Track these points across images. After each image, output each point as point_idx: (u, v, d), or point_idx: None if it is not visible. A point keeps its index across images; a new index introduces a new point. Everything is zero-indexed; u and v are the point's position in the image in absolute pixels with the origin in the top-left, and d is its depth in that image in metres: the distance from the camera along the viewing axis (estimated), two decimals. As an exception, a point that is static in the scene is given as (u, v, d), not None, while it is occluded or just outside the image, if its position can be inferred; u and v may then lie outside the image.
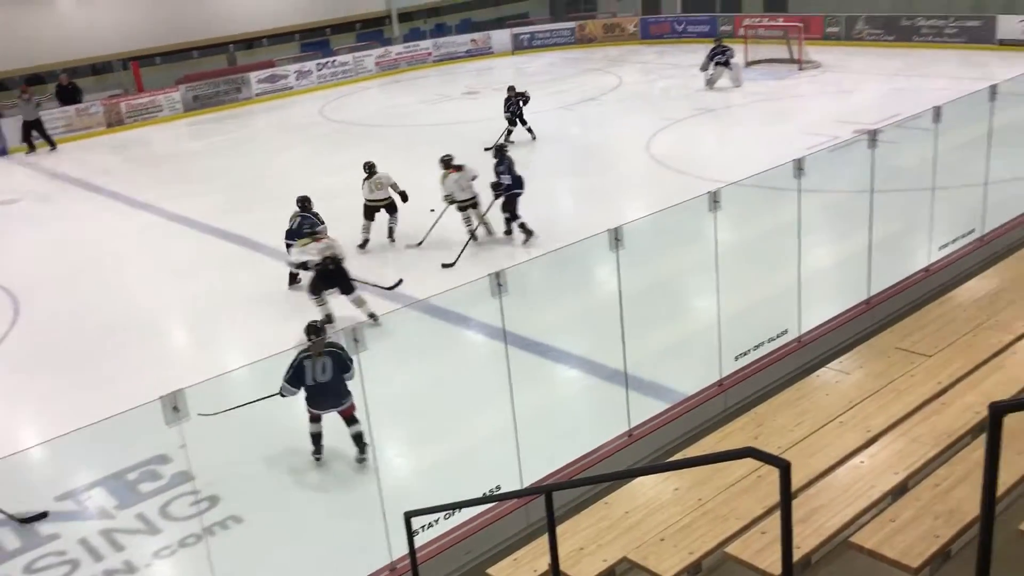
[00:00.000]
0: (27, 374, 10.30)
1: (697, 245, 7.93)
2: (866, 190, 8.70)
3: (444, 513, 6.18)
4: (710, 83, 21.77)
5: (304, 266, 10.47)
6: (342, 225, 12.21)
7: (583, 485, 6.31)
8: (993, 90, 9.51)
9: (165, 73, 26.19)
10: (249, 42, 28.83)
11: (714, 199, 7.24)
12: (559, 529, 4.90)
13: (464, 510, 6.21)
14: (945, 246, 9.63)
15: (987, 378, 6.25)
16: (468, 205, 12.54)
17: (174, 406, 4.96)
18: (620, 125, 19.59)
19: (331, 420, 7.88)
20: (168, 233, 14.98)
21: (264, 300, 11.53)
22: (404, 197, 12.77)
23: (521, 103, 18.07)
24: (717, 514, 5.30)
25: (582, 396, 8.84)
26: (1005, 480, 4.59)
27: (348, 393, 7.50)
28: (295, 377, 7.42)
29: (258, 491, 7.66)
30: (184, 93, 25.05)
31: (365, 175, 12.77)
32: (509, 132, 18.05)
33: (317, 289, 10.37)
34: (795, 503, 4.20)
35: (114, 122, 23.87)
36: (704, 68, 21.88)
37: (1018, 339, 6.77)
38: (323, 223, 11.29)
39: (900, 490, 5.16)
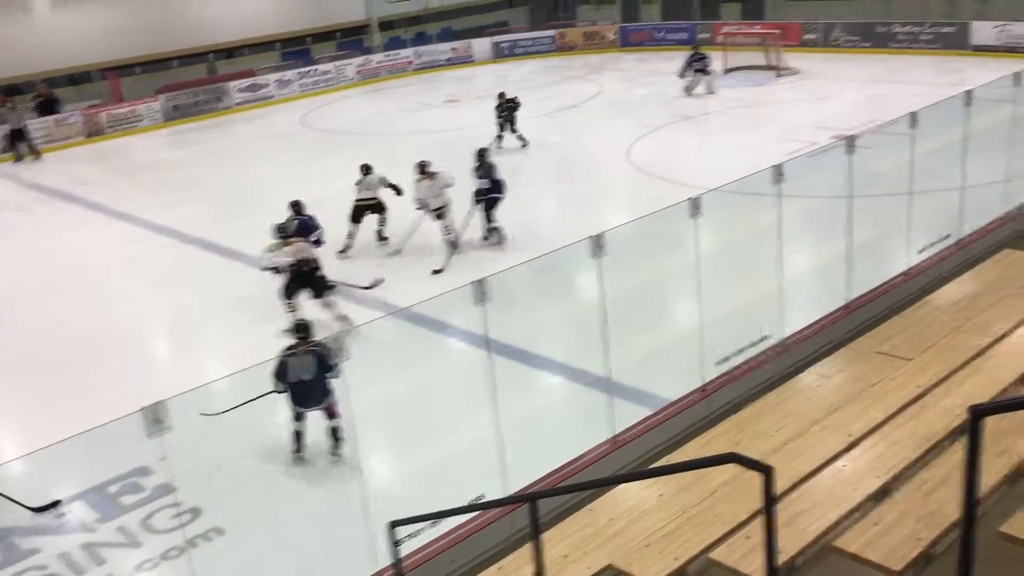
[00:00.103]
0: (7, 385, 10.20)
1: (678, 251, 7.97)
2: (845, 195, 8.77)
3: (429, 522, 6.17)
4: (688, 90, 21.90)
5: (276, 270, 10.54)
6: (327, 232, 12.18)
7: (567, 493, 6.32)
8: (968, 95, 9.62)
9: (145, 83, 26.02)
10: (229, 51, 28.70)
11: (695, 205, 7.28)
12: (544, 537, 4.89)
13: (449, 519, 6.19)
14: (923, 250, 9.72)
15: (966, 381, 6.32)
16: (439, 212, 12.63)
17: (155, 418, 4.93)
18: (601, 132, 19.66)
19: (317, 426, 7.86)
20: (149, 243, 14.88)
21: (246, 310, 11.46)
22: (397, 191, 12.99)
23: (512, 109, 18.14)
24: (701, 520, 5.31)
25: (565, 403, 8.85)
26: (985, 482, 4.63)
27: (331, 392, 7.61)
28: (280, 374, 7.55)
29: (241, 502, 7.61)
30: (164, 103, 24.91)
31: (360, 175, 13.06)
32: (500, 138, 18.15)
33: (290, 293, 10.46)
34: (778, 508, 4.21)
35: (93, 132, 23.70)
36: (682, 75, 22.00)
37: (996, 342, 6.84)
38: (320, 227, 11.49)
39: (882, 493, 5.20)
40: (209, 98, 25.67)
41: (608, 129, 19.75)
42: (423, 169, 12.67)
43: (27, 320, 12.01)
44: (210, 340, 11.04)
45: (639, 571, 4.98)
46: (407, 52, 29.69)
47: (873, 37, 25.22)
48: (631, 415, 7.43)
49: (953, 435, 5.68)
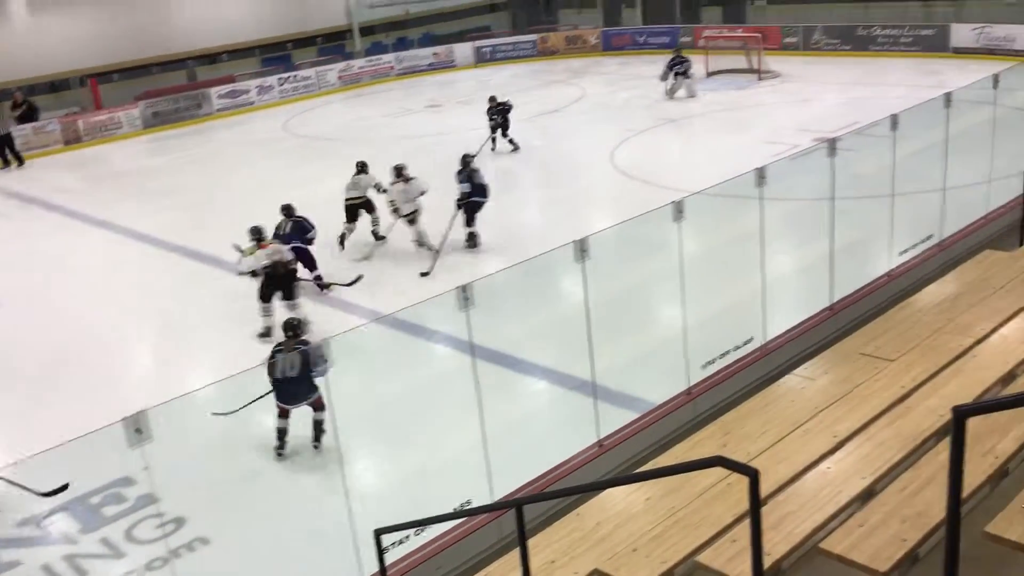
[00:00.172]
0: (-15, 397, 10.09)
1: (662, 255, 7.97)
2: (827, 197, 8.80)
3: (414, 529, 6.13)
4: (669, 93, 21.99)
5: (254, 273, 10.60)
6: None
7: (553, 498, 6.30)
8: (948, 97, 9.69)
9: (124, 90, 25.86)
10: (209, 57, 28.59)
11: (678, 209, 7.29)
12: (530, 542, 4.88)
13: (435, 526, 6.17)
14: (905, 251, 9.77)
15: (949, 381, 6.34)
16: (410, 218, 12.70)
17: (136, 427, 4.88)
18: (584, 136, 19.69)
19: (305, 423, 7.81)
20: (130, 251, 14.78)
21: (228, 317, 11.39)
22: (379, 189, 13.17)
23: (504, 113, 18.19)
24: (688, 523, 5.30)
25: (551, 408, 8.84)
26: (970, 482, 4.64)
27: (315, 388, 7.76)
28: (269, 370, 7.82)
29: (225, 511, 7.56)
30: (143, 110, 24.77)
31: (355, 172, 13.31)
32: (493, 141, 18.23)
33: (265, 296, 10.55)
34: (764, 510, 4.21)
35: (72, 140, 23.53)
36: (663, 78, 22.09)
37: (978, 342, 6.87)
38: (314, 227, 11.70)
39: (867, 495, 5.20)
40: (189, 105, 25.55)
41: (591, 133, 19.78)
42: (399, 173, 12.77)
43: (6, 329, 11.89)
44: (193, 348, 10.96)
45: (626, 575, 4.97)
46: (389, 57, 29.66)
47: (853, 40, 25.39)
48: (617, 419, 7.42)
49: (937, 435, 5.70)
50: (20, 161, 21.87)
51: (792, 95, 21.54)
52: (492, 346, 8.61)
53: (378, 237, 13.33)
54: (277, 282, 10.53)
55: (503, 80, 27.17)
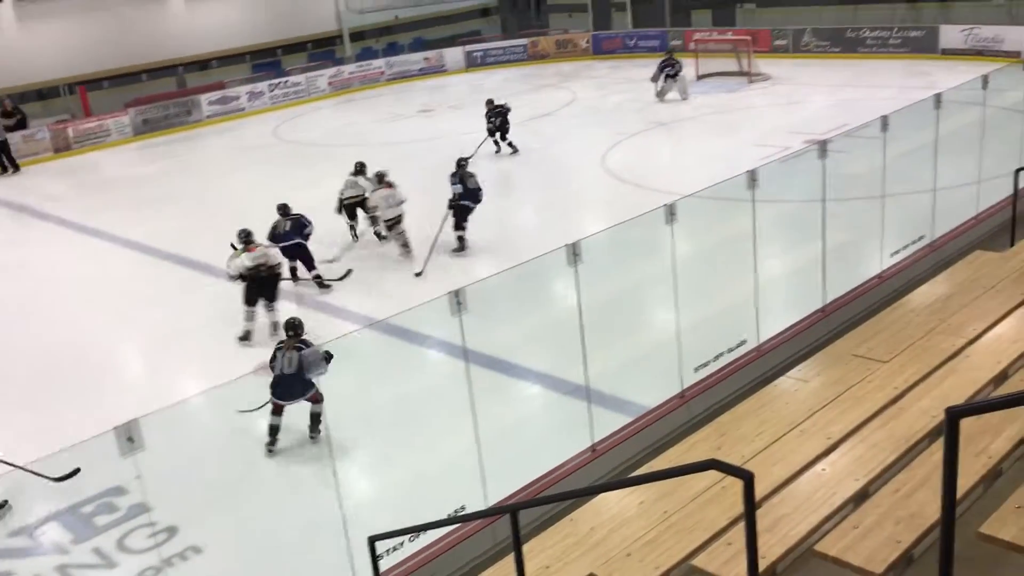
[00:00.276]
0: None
1: (655, 258, 7.98)
2: (818, 199, 8.82)
3: (409, 536, 6.11)
4: (660, 95, 22.05)
5: (242, 277, 10.70)
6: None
7: (548, 503, 6.28)
8: (938, 99, 9.72)
9: (113, 97, 25.78)
10: (199, 64, 28.53)
11: (670, 211, 7.29)
12: (525, 548, 4.87)
13: (429, 532, 6.15)
14: (897, 252, 9.79)
15: (942, 382, 6.35)
16: (392, 223, 12.85)
17: (128, 436, 4.85)
18: (575, 140, 19.70)
19: (297, 435, 7.78)
20: (121, 258, 14.72)
21: (220, 324, 11.34)
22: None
23: (503, 115, 18.25)
24: (682, 527, 5.29)
25: (545, 412, 8.82)
26: (963, 483, 4.65)
27: (312, 385, 7.97)
28: (272, 364, 8.12)
29: (217, 519, 7.52)
30: (133, 117, 24.70)
31: (353, 170, 13.63)
32: (496, 144, 18.33)
33: (249, 299, 10.69)
34: (759, 513, 4.20)
35: (61, 147, 23.44)
36: (654, 80, 22.15)
37: (970, 343, 6.89)
38: (311, 222, 11.91)
39: (861, 496, 5.20)
40: (179, 111, 25.49)
41: (582, 137, 19.80)
42: (381, 179, 13.01)
43: (-3, 339, 11.84)
44: (185, 355, 10.91)
45: (621, 580, 4.96)
46: (379, 62, 29.64)
47: (843, 42, 25.48)
48: (611, 423, 7.42)
49: (931, 436, 5.71)
50: (16, 168, 21.91)
51: (782, 97, 21.59)
52: (485, 351, 8.60)
53: (381, 237, 13.55)
54: (261, 285, 10.67)
55: (494, 84, 27.17)
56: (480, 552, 6.31)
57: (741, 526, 3.81)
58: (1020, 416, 5.26)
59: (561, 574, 5.17)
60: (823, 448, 5.83)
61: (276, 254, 11.08)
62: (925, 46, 23.92)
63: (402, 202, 12.83)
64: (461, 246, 12.91)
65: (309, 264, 12.00)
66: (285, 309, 10.76)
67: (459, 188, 12.81)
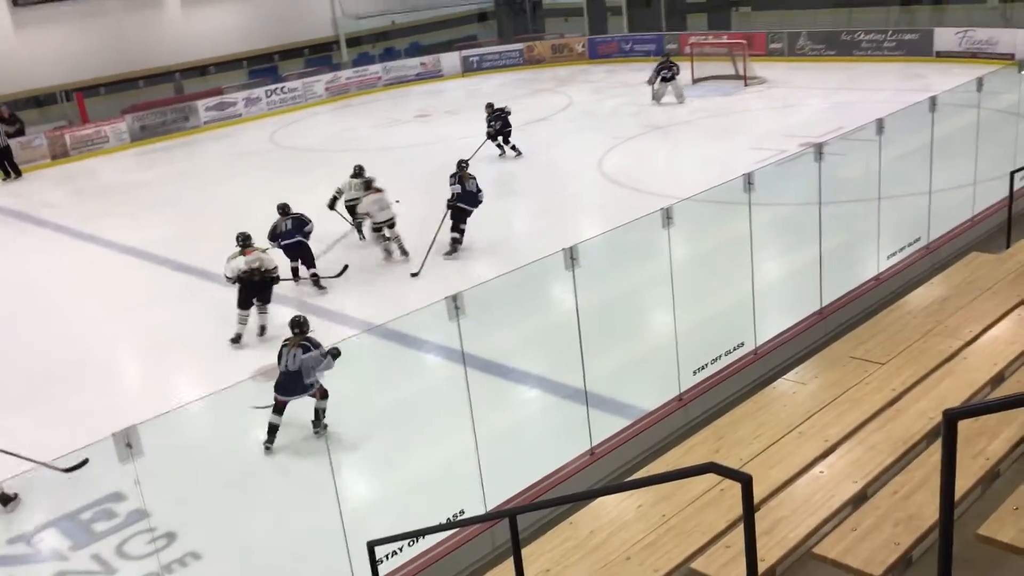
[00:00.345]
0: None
1: (652, 261, 7.99)
2: (814, 202, 8.84)
3: (408, 540, 6.11)
4: (656, 98, 22.09)
5: (239, 279, 10.78)
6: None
7: (546, 507, 6.28)
8: (933, 101, 9.74)
9: (110, 103, 25.78)
10: (196, 70, 28.53)
11: (667, 215, 7.31)
12: (524, 552, 4.87)
13: (428, 536, 6.15)
14: (893, 255, 9.81)
15: (939, 384, 6.37)
16: (383, 226, 12.97)
17: (127, 442, 4.85)
18: (572, 144, 19.72)
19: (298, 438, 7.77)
20: (117, 265, 14.71)
21: (217, 330, 11.33)
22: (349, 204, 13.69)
23: (504, 118, 18.27)
24: (681, 530, 5.30)
25: (543, 416, 8.82)
26: (961, 485, 4.66)
27: (315, 383, 8.05)
28: (278, 360, 8.24)
29: (216, 525, 7.51)
30: (130, 123, 24.69)
31: (352, 173, 13.76)
32: (500, 148, 18.35)
33: (243, 302, 10.79)
34: (758, 515, 4.21)
35: (59, 154, 23.43)
36: (651, 82, 22.20)
37: (967, 344, 6.91)
38: (311, 220, 12.13)
39: (860, 498, 5.21)
40: (176, 117, 25.49)
41: (578, 141, 19.82)
42: (369, 184, 13.23)
43: (-6, 346, 11.82)
44: (184, 360, 10.91)
45: (621, 584, 4.96)
46: (376, 68, 29.65)
47: (838, 45, 25.53)
48: (609, 426, 7.42)
49: (928, 438, 5.72)
50: (18, 173, 21.97)
51: (778, 100, 21.63)
52: (484, 355, 8.61)
53: (385, 238, 13.48)
54: (255, 288, 10.75)
55: (491, 89, 27.18)
56: (479, 556, 6.31)
57: (740, 529, 3.82)
58: (1017, 418, 5.28)
59: (560, 578, 5.18)
60: (821, 450, 5.84)
61: (272, 259, 11.10)
62: (920, 49, 23.98)
63: (391, 204, 12.92)
64: (453, 248, 12.94)
65: (309, 262, 12.13)
66: (283, 313, 10.73)
67: (458, 188, 12.88)
